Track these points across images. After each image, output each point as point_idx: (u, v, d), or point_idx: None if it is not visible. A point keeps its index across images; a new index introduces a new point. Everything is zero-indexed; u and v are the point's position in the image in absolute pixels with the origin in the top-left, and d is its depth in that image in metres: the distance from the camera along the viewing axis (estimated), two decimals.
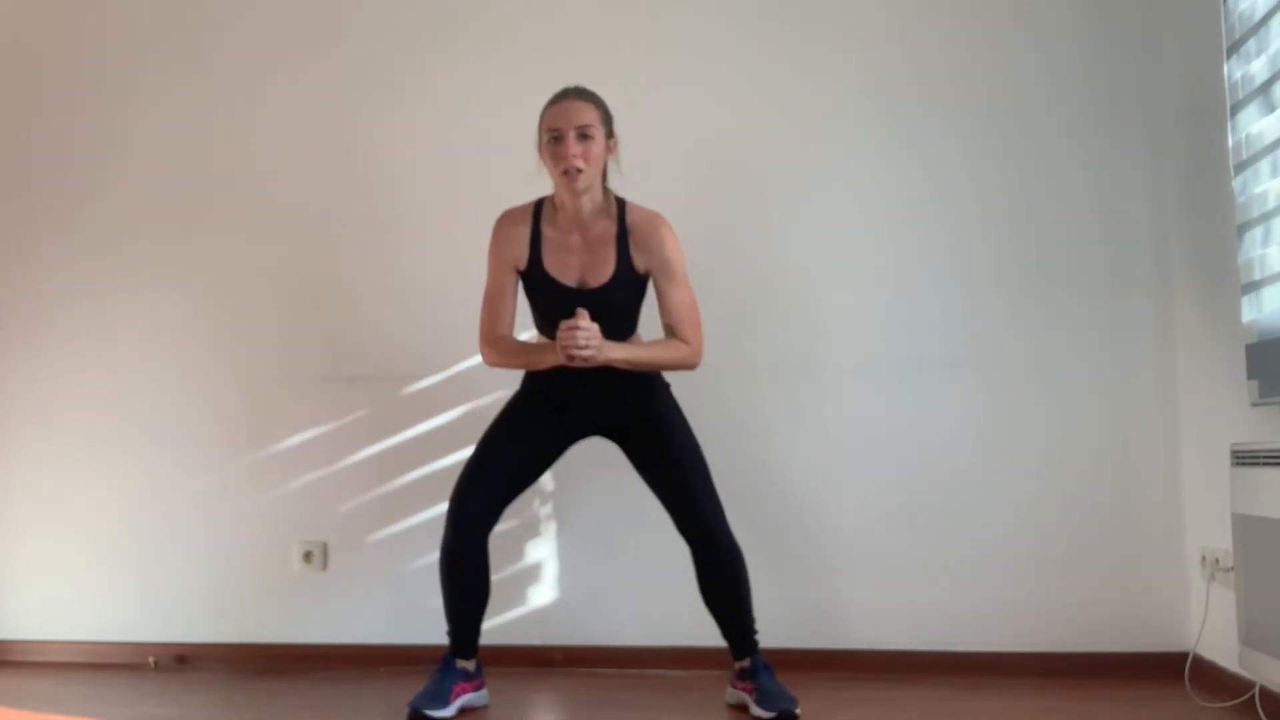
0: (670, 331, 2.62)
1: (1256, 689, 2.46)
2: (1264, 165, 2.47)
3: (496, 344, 2.64)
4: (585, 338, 2.44)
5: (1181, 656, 2.80)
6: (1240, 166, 2.55)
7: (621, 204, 2.63)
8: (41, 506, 3.39)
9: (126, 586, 3.33)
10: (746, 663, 2.63)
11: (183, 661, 3.26)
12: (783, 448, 3.12)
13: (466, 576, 2.61)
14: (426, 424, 3.26)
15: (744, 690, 2.62)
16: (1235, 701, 2.52)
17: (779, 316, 3.17)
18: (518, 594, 3.16)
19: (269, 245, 3.38)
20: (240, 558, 3.29)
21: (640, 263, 2.60)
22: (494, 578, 3.08)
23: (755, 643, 2.65)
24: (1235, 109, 2.57)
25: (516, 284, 2.66)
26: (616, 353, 2.51)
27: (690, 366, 2.63)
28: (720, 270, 3.15)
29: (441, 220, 3.27)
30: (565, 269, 2.59)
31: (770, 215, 3.20)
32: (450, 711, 2.57)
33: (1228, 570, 2.63)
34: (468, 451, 3.20)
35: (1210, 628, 2.73)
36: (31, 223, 3.50)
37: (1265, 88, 2.45)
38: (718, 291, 3.15)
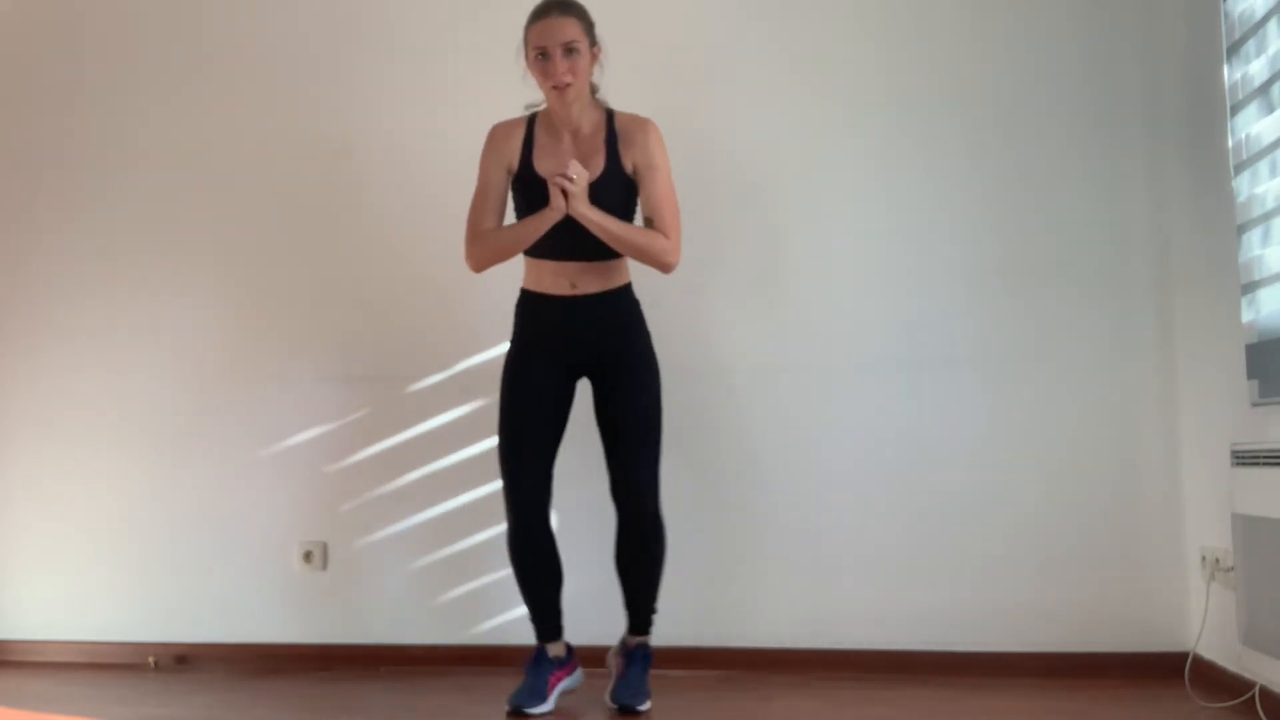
0: (649, 225, 2.65)
1: (1256, 689, 2.45)
2: (1264, 165, 2.47)
3: (481, 238, 2.64)
4: (575, 172, 2.48)
5: (1181, 656, 2.80)
6: (1240, 166, 2.55)
7: (610, 112, 2.67)
8: (41, 506, 3.39)
9: (126, 586, 3.32)
10: (634, 643, 2.73)
11: (183, 661, 3.26)
12: (781, 446, 3.12)
13: (538, 559, 2.67)
14: (427, 424, 3.26)
15: (618, 667, 2.73)
16: (1235, 701, 2.51)
17: (779, 316, 3.17)
18: (518, 594, 3.15)
19: (268, 245, 3.38)
20: (240, 558, 3.29)
21: (628, 160, 2.62)
22: (494, 578, 3.10)
23: (650, 623, 2.73)
24: (1235, 109, 2.57)
25: (506, 185, 2.67)
26: (594, 213, 2.53)
27: (663, 261, 2.63)
28: (721, 270, 3.15)
29: (441, 220, 3.27)
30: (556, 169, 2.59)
31: (770, 215, 3.20)
32: (549, 705, 2.62)
33: (1228, 570, 2.63)
34: (468, 451, 3.22)
35: (1210, 628, 2.73)
36: (32, 224, 3.50)
37: (1265, 88, 2.45)
38: (719, 290, 3.16)
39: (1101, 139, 3.09)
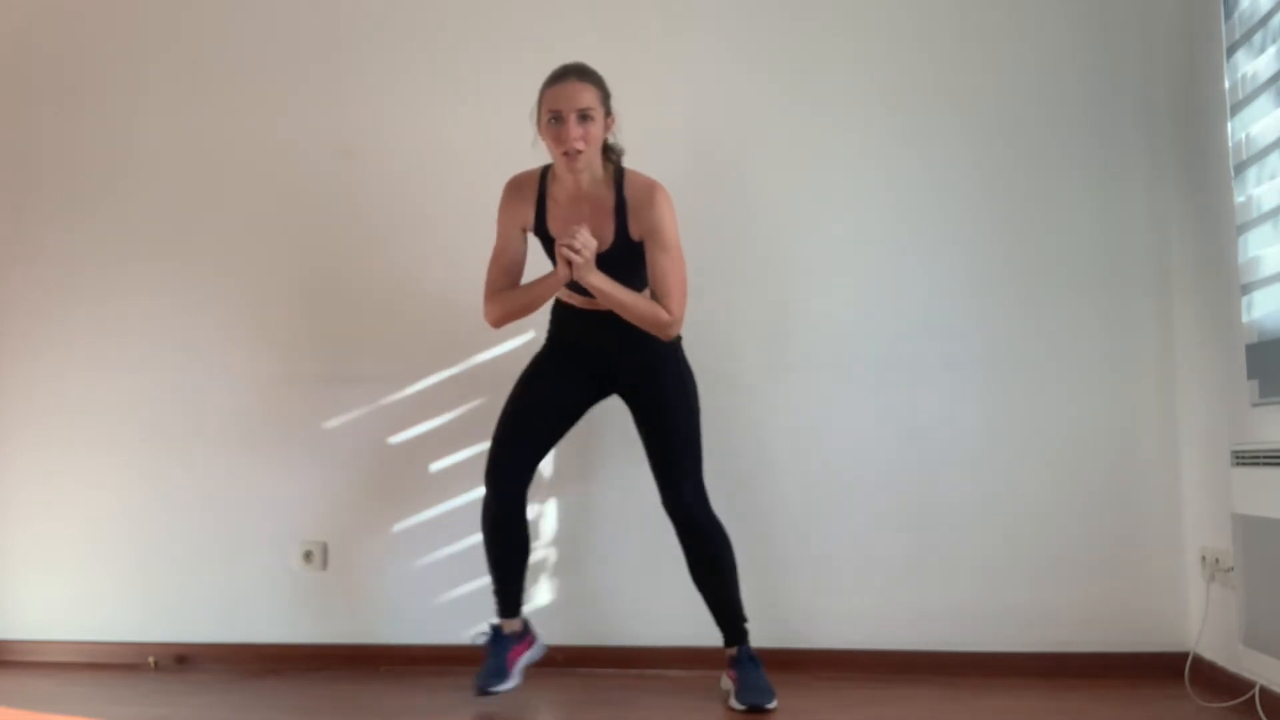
0: (654, 298, 2.64)
1: (1256, 689, 2.45)
2: (1264, 166, 2.47)
3: (497, 296, 2.67)
4: (581, 242, 2.49)
5: (1181, 656, 2.80)
6: (1240, 167, 2.55)
7: (620, 173, 2.66)
8: (41, 506, 3.39)
9: (126, 586, 3.32)
10: (734, 651, 2.70)
11: (183, 661, 3.26)
12: (783, 447, 3.12)
13: (508, 534, 2.70)
14: (427, 424, 3.26)
15: (731, 679, 2.69)
16: (1235, 701, 2.52)
17: (779, 317, 3.17)
18: None
19: (268, 246, 3.38)
20: (240, 558, 3.29)
21: (635, 230, 2.62)
22: None
23: (744, 631, 2.71)
24: (1235, 109, 2.57)
25: (523, 244, 2.70)
26: (601, 280, 2.54)
27: (663, 333, 2.63)
28: (721, 270, 3.15)
29: (442, 220, 3.28)
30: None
31: (771, 215, 3.20)
32: (515, 681, 2.66)
33: (1228, 570, 2.63)
34: (468, 451, 3.22)
35: (1210, 628, 2.73)
36: (33, 225, 3.50)
37: (1265, 88, 2.45)
38: (718, 292, 3.16)
39: (1101, 139, 3.09)
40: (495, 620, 2.73)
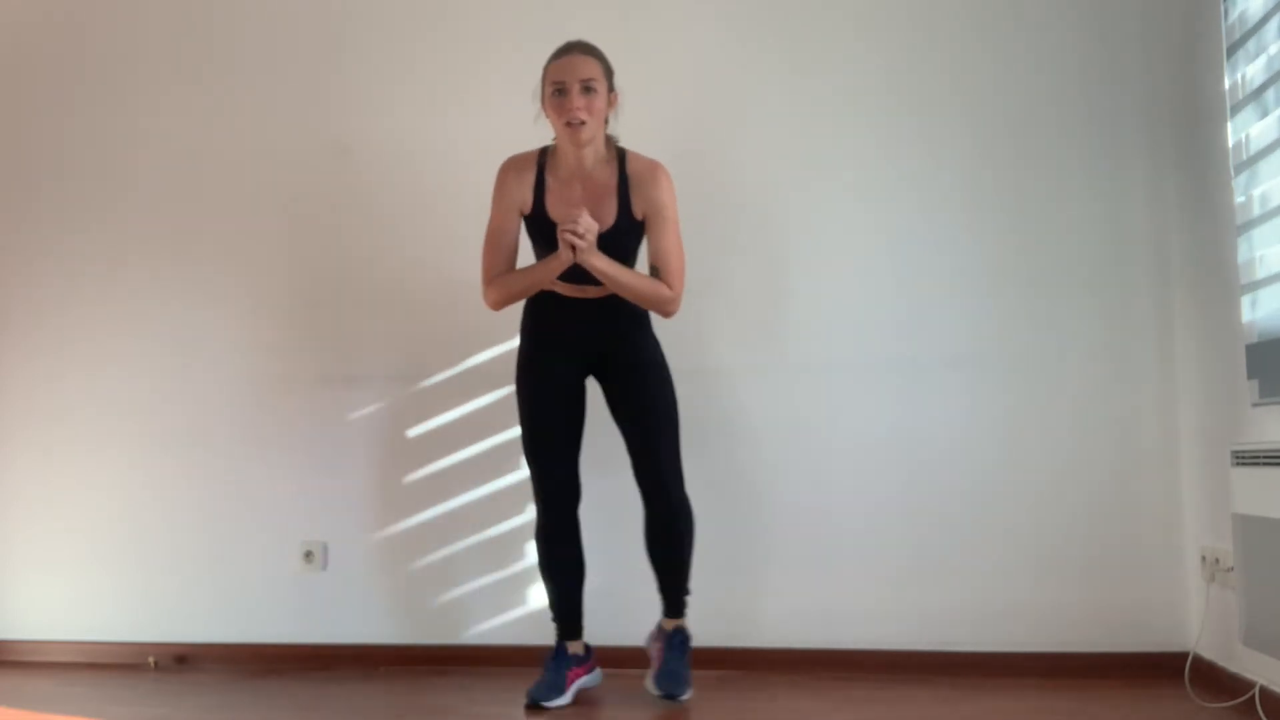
0: (654, 273, 2.68)
1: (1256, 689, 2.45)
2: (1264, 166, 2.47)
3: (497, 281, 2.68)
4: (585, 226, 2.51)
5: (1181, 656, 2.80)
6: (1240, 167, 2.55)
7: (623, 153, 2.69)
8: (41, 506, 3.40)
9: (126, 586, 3.33)
10: (671, 627, 2.74)
11: (183, 661, 3.26)
12: (782, 446, 3.12)
13: (565, 554, 2.72)
14: (427, 424, 3.26)
15: (654, 652, 2.74)
16: (1235, 701, 2.51)
17: (779, 316, 3.17)
18: (518, 594, 3.16)
19: (268, 245, 3.38)
20: (240, 558, 3.29)
21: (638, 208, 2.65)
22: (494, 578, 3.10)
23: (685, 605, 2.76)
24: (1235, 109, 2.57)
25: (519, 226, 2.71)
26: (601, 261, 2.56)
27: (665, 309, 2.67)
28: (720, 270, 3.15)
29: (442, 218, 3.28)
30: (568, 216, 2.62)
31: (772, 216, 3.20)
32: (567, 699, 2.65)
33: (1228, 570, 2.63)
34: (467, 451, 3.21)
35: (1210, 628, 2.73)
36: (34, 226, 3.50)
37: (1265, 88, 2.45)
38: (718, 291, 3.16)
39: (1102, 139, 3.09)
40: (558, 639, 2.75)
